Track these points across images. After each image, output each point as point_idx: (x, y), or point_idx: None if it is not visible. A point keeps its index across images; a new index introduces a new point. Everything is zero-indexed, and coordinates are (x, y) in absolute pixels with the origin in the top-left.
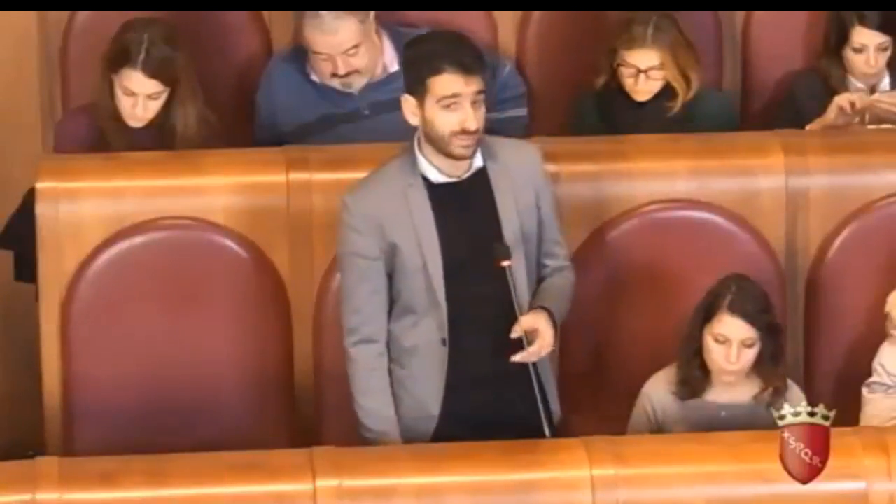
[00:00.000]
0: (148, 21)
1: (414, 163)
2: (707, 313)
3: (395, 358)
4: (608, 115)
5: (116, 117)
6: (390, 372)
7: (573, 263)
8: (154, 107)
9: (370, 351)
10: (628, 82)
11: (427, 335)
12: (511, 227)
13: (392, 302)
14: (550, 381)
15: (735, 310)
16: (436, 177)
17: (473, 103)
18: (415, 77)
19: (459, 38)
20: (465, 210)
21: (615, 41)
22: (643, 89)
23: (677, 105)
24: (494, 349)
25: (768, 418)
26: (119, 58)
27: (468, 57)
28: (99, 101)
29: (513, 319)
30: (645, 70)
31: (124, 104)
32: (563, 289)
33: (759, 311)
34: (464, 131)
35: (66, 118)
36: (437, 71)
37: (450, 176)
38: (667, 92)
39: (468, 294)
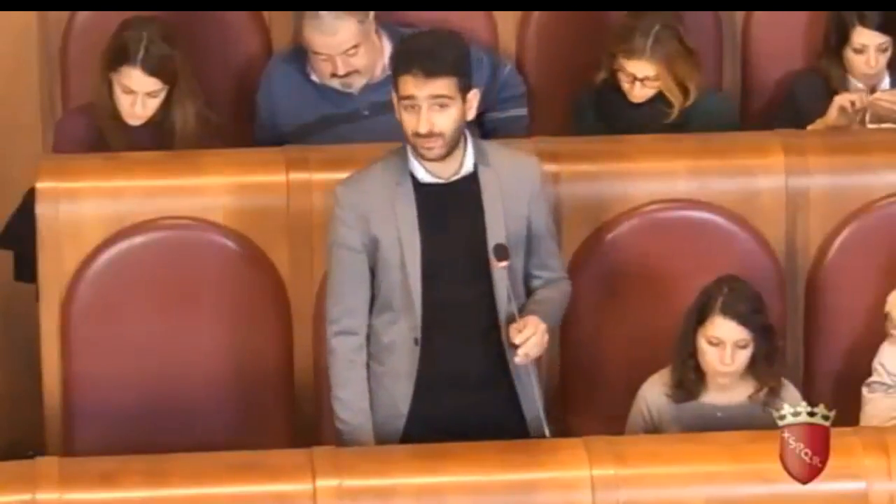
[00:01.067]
0: (146, 19)
1: (405, 160)
2: (700, 316)
3: (374, 353)
4: (607, 112)
5: (115, 116)
6: (368, 367)
7: (573, 264)
8: (153, 105)
9: (350, 343)
10: (625, 86)
11: (403, 333)
12: (496, 234)
13: (373, 297)
14: (534, 383)
15: (727, 311)
16: (423, 176)
17: (436, 107)
18: (393, 76)
19: (439, 39)
20: (450, 212)
21: (615, 47)
22: (639, 94)
23: (674, 113)
24: (469, 353)
25: (765, 418)
26: (118, 56)
27: (433, 60)
28: (97, 101)
29: (491, 324)
30: (641, 79)
31: (123, 102)
32: (555, 299)
33: (751, 312)
34: (417, 134)
35: (65, 118)
36: (401, 71)
37: (437, 177)
38: (664, 95)
39: (445, 296)
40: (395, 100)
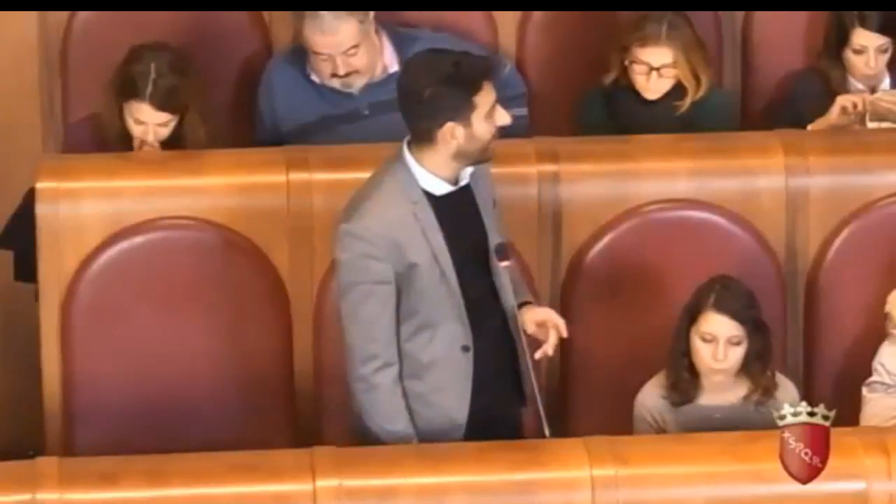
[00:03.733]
0: (154, 49)
1: (410, 179)
2: (693, 314)
3: (413, 374)
4: (616, 112)
5: (125, 138)
6: (405, 389)
7: (574, 264)
8: (164, 132)
9: (390, 375)
10: (639, 80)
11: (446, 346)
12: (491, 229)
13: (402, 320)
14: (533, 381)
15: (720, 307)
16: (439, 189)
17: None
18: (458, 102)
19: (460, 52)
20: (460, 217)
21: (627, 38)
22: (654, 87)
23: (686, 104)
24: (499, 349)
25: (761, 417)
26: (127, 90)
27: (490, 62)
28: (107, 122)
29: (503, 320)
30: (657, 68)
31: (135, 130)
32: (522, 279)
33: (744, 308)
34: (499, 129)
35: (72, 131)
36: (479, 87)
37: (454, 184)
38: (675, 91)
39: (476, 298)
40: (457, 128)
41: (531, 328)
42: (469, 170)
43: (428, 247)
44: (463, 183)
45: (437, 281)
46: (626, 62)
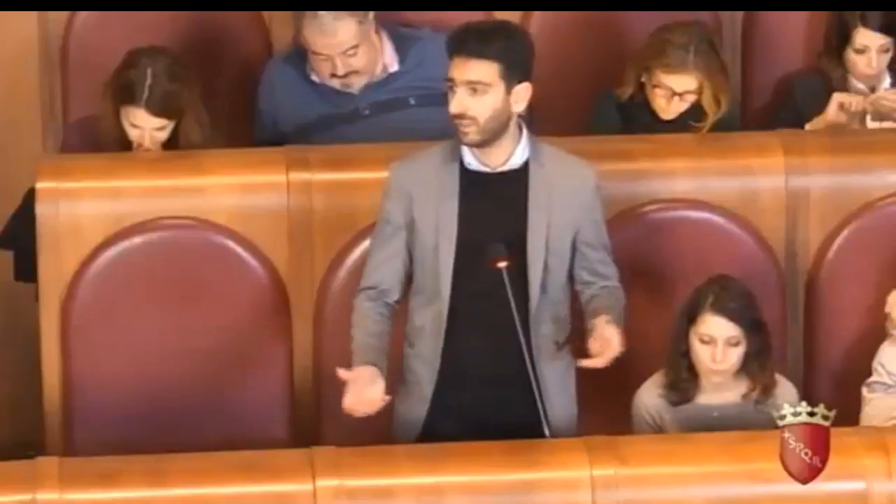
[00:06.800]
0: (151, 54)
1: (457, 146)
2: (691, 315)
3: (408, 335)
4: (632, 127)
5: (123, 140)
6: (403, 350)
7: None
8: (161, 136)
9: (367, 302)
10: (660, 102)
11: (432, 318)
12: (537, 234)
13: (411, 279)
14: (566, 384)
15: (718, 309)
16: (470, 161)
17: (469, 90)
18: None
19: (490, 25)
20: (493, 205)
21: (650, 61)
22: (673, 109)
23: (707, 126)
24: (493, 348)
25: (760, 416)
26: (123, 94)
27: (473, 43)
28: (103, 124)
29: (513, 323)
30: (680, 93)
31: (132, 133)
32: (619, 300)
33: (742, 309)
34: (452, 115)
35: (70, 134)
36: (448, 55)
37: (483, 164)
38: (691, 111)
39: (476, 287)
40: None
41: (594, 342)
42: (514, 160)
43: (434, 211)
44: (501, 169)
45: (431, 250)
46: (646, 81)
